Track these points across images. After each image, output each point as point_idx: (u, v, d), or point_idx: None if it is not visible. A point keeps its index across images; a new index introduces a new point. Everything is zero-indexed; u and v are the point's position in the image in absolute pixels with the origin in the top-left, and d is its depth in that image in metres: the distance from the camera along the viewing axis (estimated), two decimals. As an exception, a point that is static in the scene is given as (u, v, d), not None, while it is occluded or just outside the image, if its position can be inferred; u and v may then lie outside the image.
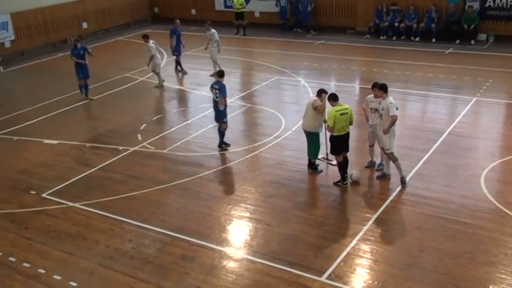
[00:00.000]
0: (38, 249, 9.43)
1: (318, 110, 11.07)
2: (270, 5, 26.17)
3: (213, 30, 18.55)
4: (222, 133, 12.93)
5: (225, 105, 12.64)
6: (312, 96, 11.54)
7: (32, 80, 20.48)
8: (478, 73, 17.75)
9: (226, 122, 12.81)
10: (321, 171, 11.63)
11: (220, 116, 12.76)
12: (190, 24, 27.14)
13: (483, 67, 18.37)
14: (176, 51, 19.52)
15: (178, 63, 19.79)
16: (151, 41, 17.76)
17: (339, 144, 10.70)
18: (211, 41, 18.61)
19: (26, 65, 22.34)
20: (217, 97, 12.53)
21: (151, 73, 18.36)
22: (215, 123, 13.21)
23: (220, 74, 12.83)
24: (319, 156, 11.82)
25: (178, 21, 19.76)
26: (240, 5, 25.32)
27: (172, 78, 19.27)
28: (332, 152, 10.91)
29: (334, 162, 11.28)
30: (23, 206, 10.92)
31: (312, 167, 11.62)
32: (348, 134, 10.72)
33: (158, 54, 18.11)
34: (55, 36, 24.86)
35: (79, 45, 17.24)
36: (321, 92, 11.22)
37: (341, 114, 10.46)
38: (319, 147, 11.54)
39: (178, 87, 18.49)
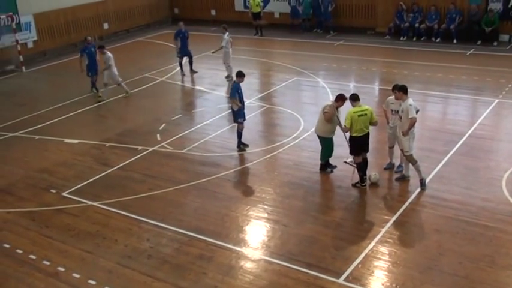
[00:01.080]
0: (58, 248, 9.54)
1: (324, 116, 11.05)
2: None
3: (225, 36, 18.31)
4: (238, 133, 12.96)
5: (239, 106, 12.65)
6: (331, 99, 11.48)
7: (54, 80, 20.74)
8: (500, 74, 17.51)
9: (241, 123, 12.83)
10: (331, 171, 11.58)
11: (234, 116, 12.85)
12: (210, 24, 27.27)
13: (505, 68, 18.11)
14: (180, 53, 19.49)
15: (180, 64, 19.71)
16: (108, 52, 17.10)
17: (358, 145, 10.63)
18: (226, 44, 18.43)
19: (47, 65, 22.63)
20: None
21: (114, 85, 17.38)
22: (234, 124, 13.25)
23: (236, 74, 12.93)
24: (348, 160, 11.56)
25: (182, 23, 19.75)
26: (256, 5, 25.35)
27: (190, 79, 19.37)
28: (351, 153, 10.85)
29: (350, 160, 11.29)
30: (43, 205, 11.05)
31: (321, 168, 11.62)
32: (367, 134, 10.65)
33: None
34: (76, 37, 25.05)
35: (91, 43, 17.84)
36: (339, 98, 11.11)
37: (359, 116, 10.39)
38: (329, 152, 11.47)
39: (197, 87, 18.54)
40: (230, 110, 13.11)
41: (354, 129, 10.43)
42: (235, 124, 13.01)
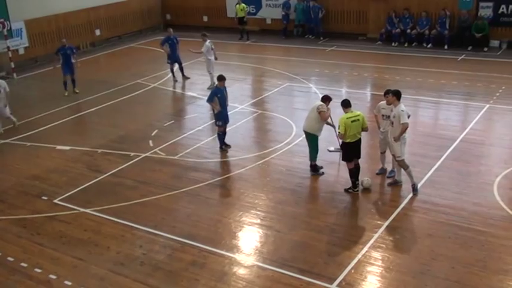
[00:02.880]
0: (50, 255, 9.48)
1: (321, 115, 11.26)
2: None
3: (207, 43, 18.30)
4: (218, 135, 13.27)
5: (218, 110, 12.88)
6: (318, 101, 11.64)
7: (45, 86, 20.63)
8: (490, 80, 17.62)
9: (220, 126, 13.12)
10: (323, 173, 11.69)
11: (215, 119, 13.22)
12: (202, 30, 27.22)
13: (496, 74, 18.23)
14: (170, 59, 19.49)
15: (172, 71, 19.68)
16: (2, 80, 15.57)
17: (351, 151, 10.66)
18: (207, 52, 18.32)
19: (39, 72, 22.53)
20: None
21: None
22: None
23: (217, 78, 13.23)
24: (332, 148, 12.22)
25: (171, 29, 19.78)
26: (241, 10, 25.49)
27: (182, 85, 19.38)
28: (343, 159, 10.88)
29: (334, 148, 12.08)
30: (35, 212, 10.99)
31: (313, 169, 11.73)
32: (359, 140, 10.69)
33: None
34: (68, 43, 25.01)
35: (67, 45, 18.51)
36: (325, 99, 11.47)
37: (352, 122, 10.42)
38: (317, 150, 11.71)
39: (189, 93, 18.53)
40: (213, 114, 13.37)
41: (347, 135, 10.45)
42: (227, 130, 13.09)
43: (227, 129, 13.36)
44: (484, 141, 13.15)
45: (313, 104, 11.76)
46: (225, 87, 13.13)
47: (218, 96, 12.85)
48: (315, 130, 11.50)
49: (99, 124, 16.17)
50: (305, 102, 17.10)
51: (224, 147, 13.24)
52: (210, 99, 12.99)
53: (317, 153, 11.74)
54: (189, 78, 19.76)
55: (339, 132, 10.61)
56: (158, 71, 20.81)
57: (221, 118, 13.02)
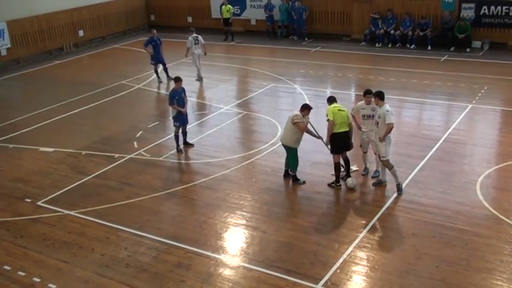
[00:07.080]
0: (33, 258, 9.39)
1: (297, 126, 10.86)
2: (267, 13, 26.31)
3: (189, 38, 18.91)
4: (174, 136, 13.31)
5: (180, 111, 13.06)
6: (296, 110, 11.20)
7: (28, 87, 20.46)
8: (473, 80, 17.81)
9: (176, 126, 13.24)
10: (304, 182, 11.39)
11: (173, 120, 13.33)
12: (187, 31, 27.16)
13: (478, 74, 18.42)
14: (153, 60, 19.41)
15: (156, 72, 19.61)
16: None
17: (340, 143, 10.70)
18: (191, 46, 18.95)
19: (21, 73, 22.31)
20: None
21: None
22: (210, 131, 13.26)
23: (173, 80, 13.54)
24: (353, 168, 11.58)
25: (154, 30, 19.74)
26: (226, 11, 25.53)
27: (167, 86, 19.30)
28: (332, 151, 10.82)
29: (355, 168, 11.64)
30: (18, 214, 10.88)
31: (294, 179, 11.41)
32: (347, 132, 10.77)
33: None
34: (51, 44, 24.85)
35: None
36: (304, 108, 11.04)
37: (338, 110, 10.70)
38: (297, 162, 11.29)
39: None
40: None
41: (336, 123, 10.58)
42: (213, 131, 13.06)
43: (212, 131, 13.30)
44: (467, 141, 13.28)
45: (291, 112, 11.30)
46: (183, 89, 13.29)
47: (176, 98, 13.04)
48: (292, 143, 11.06)
49: (83, 125, 16.03)
50: (290, 103, 17.14)
51: (184, 147, 13.34)
52: (171, 102, 13.12)
53: (297, 165, 11.31)
54: (173, 79, 19.64)
55: (328, 119, 10.58)
56: (142, 72, 20.72)
57: (179, 120, 13.15)
